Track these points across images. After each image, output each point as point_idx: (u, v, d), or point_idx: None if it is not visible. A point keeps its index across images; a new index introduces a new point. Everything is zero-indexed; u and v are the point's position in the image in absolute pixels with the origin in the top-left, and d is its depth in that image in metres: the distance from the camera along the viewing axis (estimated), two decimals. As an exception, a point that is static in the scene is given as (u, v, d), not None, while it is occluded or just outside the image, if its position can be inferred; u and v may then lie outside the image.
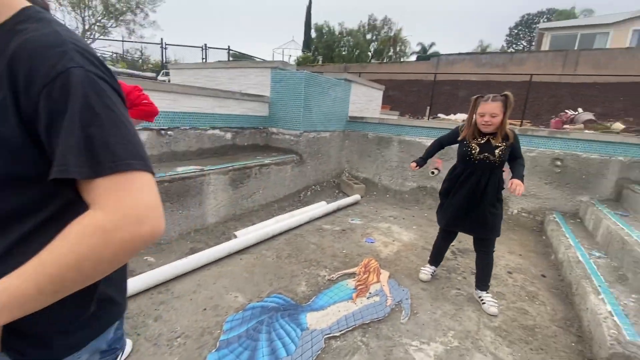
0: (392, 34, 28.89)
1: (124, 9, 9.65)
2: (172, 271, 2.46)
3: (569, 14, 25.52)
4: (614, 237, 2.95)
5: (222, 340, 1.91)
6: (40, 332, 0.58)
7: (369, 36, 30.90)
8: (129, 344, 1.81)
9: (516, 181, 2.17)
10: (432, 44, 29.57)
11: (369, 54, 30.29)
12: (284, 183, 4.42)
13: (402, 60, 26.86)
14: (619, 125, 6.46)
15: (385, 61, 25.86)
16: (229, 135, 4.27)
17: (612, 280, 2.53)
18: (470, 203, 2.38)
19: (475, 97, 2.27)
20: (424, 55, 22.59)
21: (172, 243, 2.99)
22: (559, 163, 4.31)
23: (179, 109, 3.56)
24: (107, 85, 0.53)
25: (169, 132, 3.45)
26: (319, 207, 4.20)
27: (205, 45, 9.92)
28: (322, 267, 2.87)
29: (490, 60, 15.72)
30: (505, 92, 2.18)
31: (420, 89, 16.76)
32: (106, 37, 10.31)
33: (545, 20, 27.57)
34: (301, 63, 22.18)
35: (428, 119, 10.40)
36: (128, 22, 10.21)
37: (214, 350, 1.83)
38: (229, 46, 9.81)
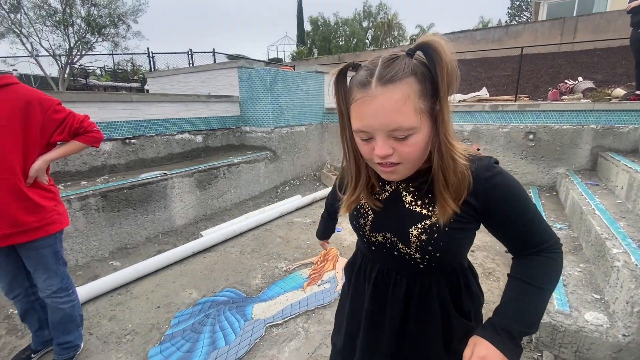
0: (386, 20, 28.42)
1: (107, 22, 9.84)
2: (133, 273, 2.58)
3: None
4: (576, 208, 2.91)
5: (167, 335, 2.01)
6: None
7: (365, 24, 30.50)
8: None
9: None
10: (431, 25, 29.00)
11: (367, 41, 29.92)
12: (258, 180, 4.50)
13: (400, 45, 26.44)
14: (619, 92, 6.20)
15: (383, 47, 25.49)
16: (199, 138, 4.36)
17: (566, 251, 2.51)
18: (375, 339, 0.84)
19: (335, 73, 0.67)
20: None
21: (139, 247, 3.12)
22: (531, 137, 4.23)
23: (142, 117, 3.67)
24: None
25: (132, 141, 3.57)
26: (292, 201, 4.26)
27: (191, 50, 10.04)
28: (283, 259, 2.95)
29: (485, 36, 15.30)
30: (423, 40, 0.57)
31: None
32: (92, 52, 10.58)
33: (544, -12, 26.54)
34: (296, 58, 22.14)
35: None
36: (112, 35, 10.42)
37: (157, 344, 1.94)
38: (213, 49, 9.93)
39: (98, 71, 11.71)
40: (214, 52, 10.17)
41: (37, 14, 9.60)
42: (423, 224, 0.69)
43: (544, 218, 0.72)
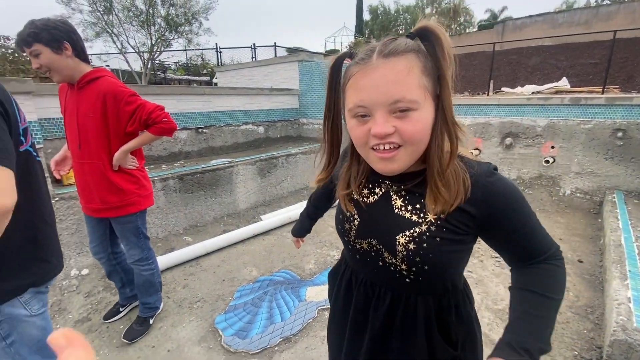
0: (452, 5, 26.57)
1: (182, 20, 10.78)
2: (202, 249, 2.90)
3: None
4: (672, 218, 2.53)
5: (231, 305, 2.25)
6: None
7: (428, 10, 28.91)
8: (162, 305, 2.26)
9: None
10: (504, 9, 26.36)
11: (429, 29, 28.38)
12: (313, 171, 4.65)
13: (466, 31, 24.58)
14: None
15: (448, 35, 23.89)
16: (261, 129, 4.64)
17: (655, 266, 2.22)
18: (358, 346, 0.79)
19: (333, 59, 0.65)
20: (489, 23, 20.38)
21: (207, 225, 3.47)
22: (620, 135, 3.71)
23: (213, 108, 4.02)
24: None
25: (204, 130, 3.94)
26: (345, 193, 4.34)
27: (254, 44, 10.56)
28: (334, 247, 3.06)
29: (569, 19, 13.54)
30: (422, 24, 0.57)
31: (483, 62, 15.26)
32: (169, 49, 11.70)
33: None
34: (353, 49, 21.85)
35: (489, 95, 9.53)
36: (187, 32, 11.38)
37: (222, 313, 2.18)
38: (275, 43, 10.32)
39: (173, 66, 12.95)
40: (275, 46, 10.57)
41: (126, 15, 10.89)
42: (412, 231, 0.63)
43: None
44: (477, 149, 4.87)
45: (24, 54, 1.50)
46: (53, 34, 1.39)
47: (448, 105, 0.57)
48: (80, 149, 1.60)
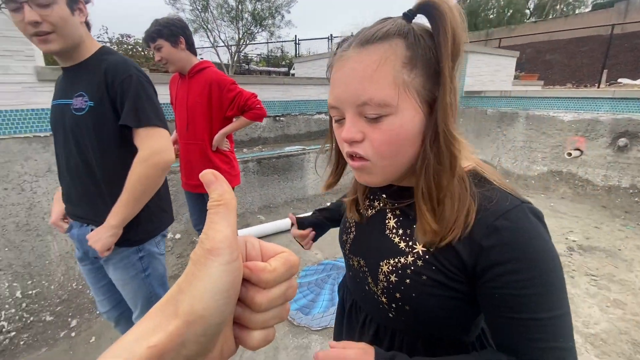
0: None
1: (267, 14, 11.42)
2: (273, 228, 3.13)
3: None
4: None
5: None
6: (133, 230, 1.12)
7: (530, -15, 25.45)
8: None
9: None
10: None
11: (527, 12, 25.04)
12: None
13: (575, 12, 21.03)
14: None
15: (550, 17, 20.85)
16: (333, 119, 4.73)
17: None
18: None
19: (334, 47, 0.54)
20: (607, 0, 17.08)
21: (278, 207, 3.71)
22: None
23: (290, 97, 4.23)
24: (147, 82, 1.08)
25: (281, 118, 4.18)
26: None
27: (331, 35, 10.69)
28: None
29: None
30: None
31: (594, 48, 12.89)
32: (253, 42, 12.54)
33: None
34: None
35: (599, 87, 8.08)
36: (270, 26, 12.03)
37: (288, 288, 2.35)
38: (352, 33, 10.19)
39: (256, 58, 13.89)
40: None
41: (219, 12, 11.97)
42: (396, 260, 0.52)
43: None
44: (578, 149, 4.22)
45: (148, 49, 1.80)
46: (172, 30, 1.63)
47: (442, 111, 0.43)
48: (187, 130, 1.84)
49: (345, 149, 0.49)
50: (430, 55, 0.43)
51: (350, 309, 0.67)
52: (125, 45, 7.66)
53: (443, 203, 0.46)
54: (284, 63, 13.08)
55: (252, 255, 0.26)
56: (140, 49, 7.37)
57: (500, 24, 22.16)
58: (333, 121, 0.52)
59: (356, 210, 0.64)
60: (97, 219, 1.05)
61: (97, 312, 2.26)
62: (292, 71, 9.86)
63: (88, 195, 1.10)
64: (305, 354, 1.80)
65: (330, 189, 0.66)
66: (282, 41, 12.89)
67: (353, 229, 0.64)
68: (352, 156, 0.48)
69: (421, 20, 0.46)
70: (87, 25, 1.06)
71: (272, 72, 10.57)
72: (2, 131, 2.15)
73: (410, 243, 0.52)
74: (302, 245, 0.90)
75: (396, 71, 0.43)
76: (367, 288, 0.58)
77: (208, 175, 0.23)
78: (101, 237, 1.03)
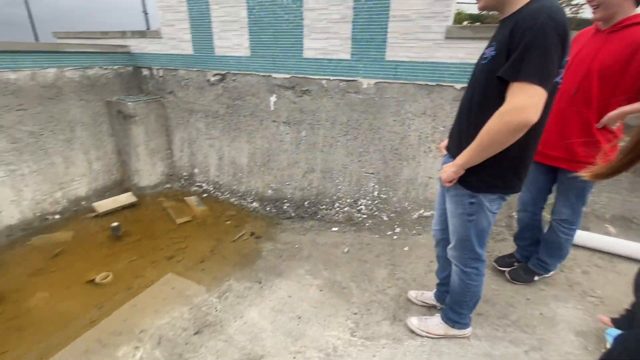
0: None
1: None
2: (626, 248, 2.31)
3: None
4: None
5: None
6: (473, 177, 1.20)
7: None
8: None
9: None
10: None
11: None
12: None
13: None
14: None
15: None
16: None
17: None
18: None
19: None
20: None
21: (646, 227, 2.61)
22: None
23: None
24: (555, 34, 0.93)
25: None
26: None
27: None
28: None
29: None
30: None
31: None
32: None
33: None
34: None
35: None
36: None
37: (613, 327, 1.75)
38: None
39: None
40: None
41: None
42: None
43: None
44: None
45: None
46: None
47: None
48: (574, 94, 1.56)
49: None
50: None
51: None
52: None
53: None
54: None
55: None
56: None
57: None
58: None
59: None
60: (457, 155, 1.22)
61: (413, 232, 2.83)
62: None
63: (460, 133, 1.27)
64: None
65: None
66: None
67: None
68: None
69: None
70: None
71: None
72: (406, 77, 2.85)
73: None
74: None
75: None
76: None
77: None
78: (447, 170, 1.24)
